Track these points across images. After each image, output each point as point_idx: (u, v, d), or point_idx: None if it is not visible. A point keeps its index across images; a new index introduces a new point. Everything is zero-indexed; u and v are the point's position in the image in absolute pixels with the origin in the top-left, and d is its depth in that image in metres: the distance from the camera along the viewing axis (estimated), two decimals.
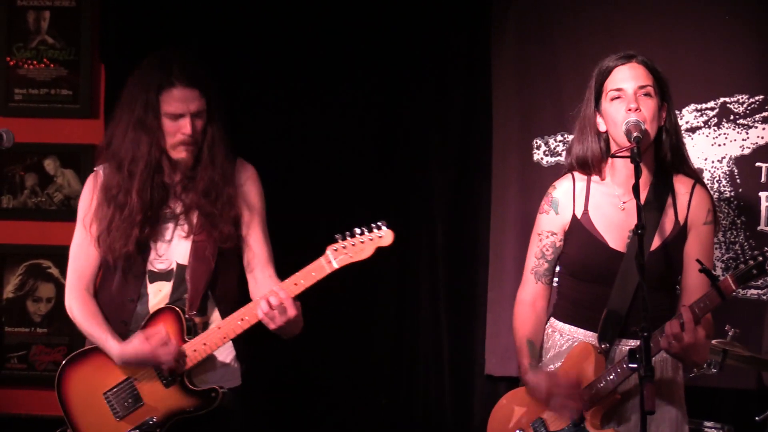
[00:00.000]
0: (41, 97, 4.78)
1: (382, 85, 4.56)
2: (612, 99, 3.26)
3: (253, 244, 3.52)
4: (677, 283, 3.34)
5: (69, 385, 3.46)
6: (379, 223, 3.33)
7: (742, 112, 4.28)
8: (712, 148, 4.31)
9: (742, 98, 4.28)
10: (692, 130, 4.31)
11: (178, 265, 3.48)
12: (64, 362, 3.50)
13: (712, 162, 4.31)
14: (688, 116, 4.31)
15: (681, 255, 3.29)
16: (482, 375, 4.50)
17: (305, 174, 4.52)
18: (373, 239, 3.32)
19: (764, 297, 4.26)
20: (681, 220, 3.30)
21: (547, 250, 3.41)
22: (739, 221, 4.28)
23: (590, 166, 3.35)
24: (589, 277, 3.33)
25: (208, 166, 3.45)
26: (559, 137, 4.42)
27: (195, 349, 3.39)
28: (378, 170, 4.57)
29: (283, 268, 3.46)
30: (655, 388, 2.87)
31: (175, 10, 4.54)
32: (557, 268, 3.46)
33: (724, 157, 4.30)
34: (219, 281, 3.49)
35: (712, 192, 3.53)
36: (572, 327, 3.37)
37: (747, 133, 4.28)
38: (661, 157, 3.31)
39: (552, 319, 3.45)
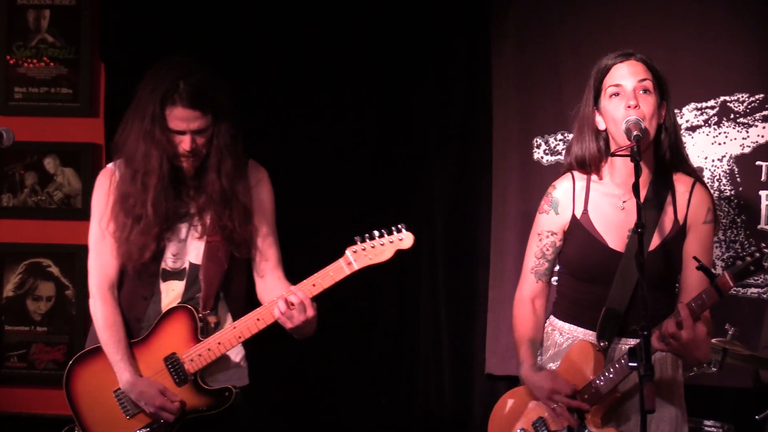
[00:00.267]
0: (41, 95, 4.78)
1: (382, 85, 4.56)
2: (611, 96, 3.25)
3: (262, 246, 3.52)
4: (676, 281, 3.33)
5: (78, 383, 3.47)
6: (399, 226, 3.36)
7: (743, 110, 4.28)
8: (712, 146, 4.31)
9: (743, 97, 4.27)
10: (692, 128, 4.31)
11: (191, 265, 3.49)
12: (72, 360, 3.51)
13: (713, 161, 4.31)
14: (688, 115, 4.30)
15: (680, 254, 3.28)
16: (482, 374, 4.49)
17: (305, 174, 4.51)
18: (393, 241, 3.34)
19: (764, 295, 4.26)
20: (680, 218, 3.29)
21: (547, 249, 3.40)
22: (739, 220, 4.28)
23: (588, 166, 3.35)
24: (588, 277, 3.33)
25: (214, 174, 3.43)
26: (560, 136, 4.42)
27: (209, 348, 3.39)
28: (378, 170, 4.57)
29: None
30: (654, 387, 2.86)
31: (175, 8, 4.53)
32: (557, 267, 3.46)
33: (724, 156, 4.30)
34: (230, 282, 3.50)
35: (712, 191, 3.53)
36: (572, 326, 3.37)
37: (747, 132, 4.28)
38: (660, 155, 3.30)
39: (551, 318, 3.45)
